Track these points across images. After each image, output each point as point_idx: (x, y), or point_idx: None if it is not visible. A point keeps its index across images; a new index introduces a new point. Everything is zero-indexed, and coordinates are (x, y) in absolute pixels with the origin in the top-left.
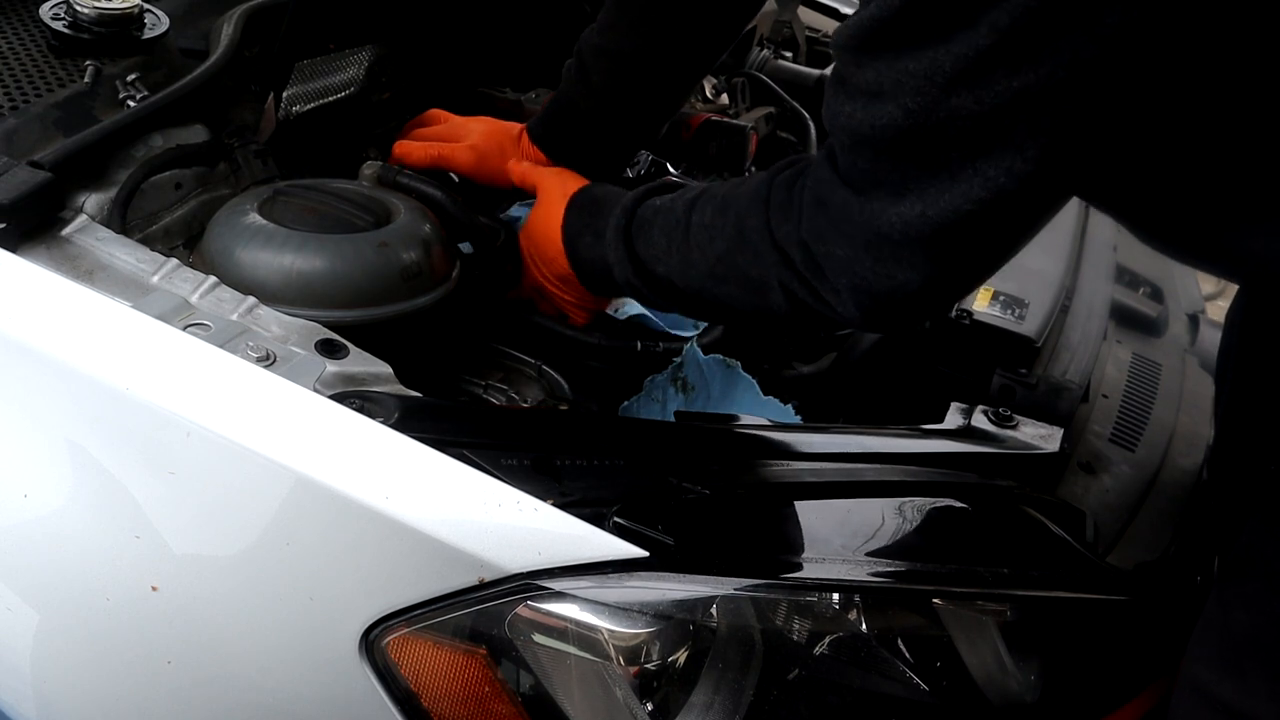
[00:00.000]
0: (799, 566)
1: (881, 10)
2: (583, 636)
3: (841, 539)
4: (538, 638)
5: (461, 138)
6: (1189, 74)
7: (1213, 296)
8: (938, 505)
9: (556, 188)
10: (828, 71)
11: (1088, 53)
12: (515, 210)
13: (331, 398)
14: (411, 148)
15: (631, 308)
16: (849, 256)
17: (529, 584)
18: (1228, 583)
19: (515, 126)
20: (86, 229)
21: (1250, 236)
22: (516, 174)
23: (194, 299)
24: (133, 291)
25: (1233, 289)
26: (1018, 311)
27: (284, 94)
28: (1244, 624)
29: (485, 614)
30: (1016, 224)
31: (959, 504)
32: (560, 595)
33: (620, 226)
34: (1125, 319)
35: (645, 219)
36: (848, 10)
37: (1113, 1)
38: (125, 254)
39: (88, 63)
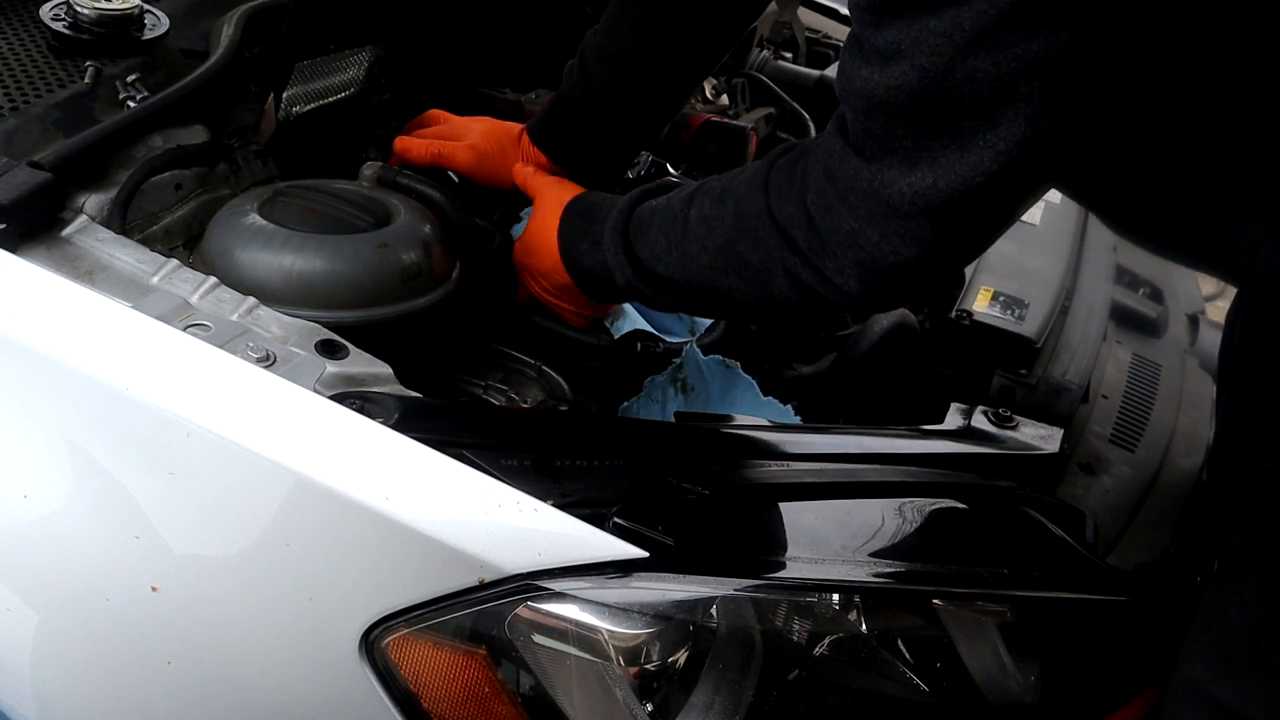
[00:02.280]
0: (799, 567)
1: None
2: (583, 637)
3: (841, 539)
4: (538, 638)
5: (461, 136)
6: (1196, 52)
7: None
8: (938, 505)
9: (553, 199)
10: (828, 72)
11: (1104, 17)
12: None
13: (331, 398)
14: (411, 143)
15: (625, 324)
16: (855, 230)
17: (529, 584)
18: (1224, 582)
19: (515, 127)
20: (86, 229)
21: (1247, 232)
22: (519, 177)
23: (194, 299)
24: (133, 292)
25: (1233, 290)
26: (1018, 312)
27: (284, 94)
28: (1239, 623)
29: (485, 614)
30: (1016, 197)
31: (959, 504)
32: (560, 596)
33: (618, 229)
34: (1125, 319)
35: (642, 219)
36: (847, 11)
37: None
38: (125, 254)
39: (88, 63)
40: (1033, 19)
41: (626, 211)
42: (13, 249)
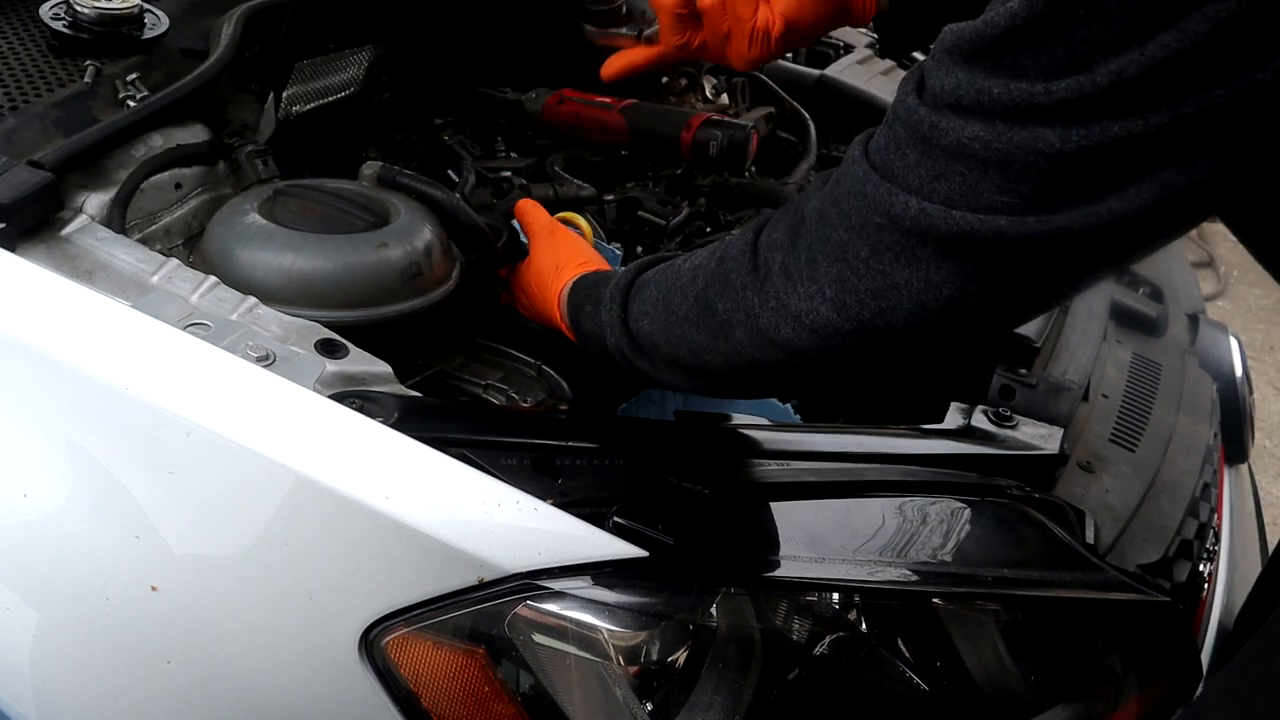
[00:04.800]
0: (799, 566)
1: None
2: (582, 636)
3: (841, 539)
4: (537, 637)
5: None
6: None
7: (1213, 297)
8: (938, 505)
9: (545, 255)
10: (828, 72)
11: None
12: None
13: (331, 397)
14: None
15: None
16: (844, 240)
17: (528, 584)
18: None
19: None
20: (86, 229)
21: None
22: (518, 213)
23: (194, 299)
24: (133, 291)
25: (1233, 290)
26: None
27: (284, 94)
28: None
29: (485, 614)
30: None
31: (959, 504)
32: (560, 595)
33: (620, 287)
34: (1125, 319)
35: (647, 279)
36: None
37: None
38: (125, 254)
39: (88, 63)
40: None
41: (633, 272)
42: (12, 248)
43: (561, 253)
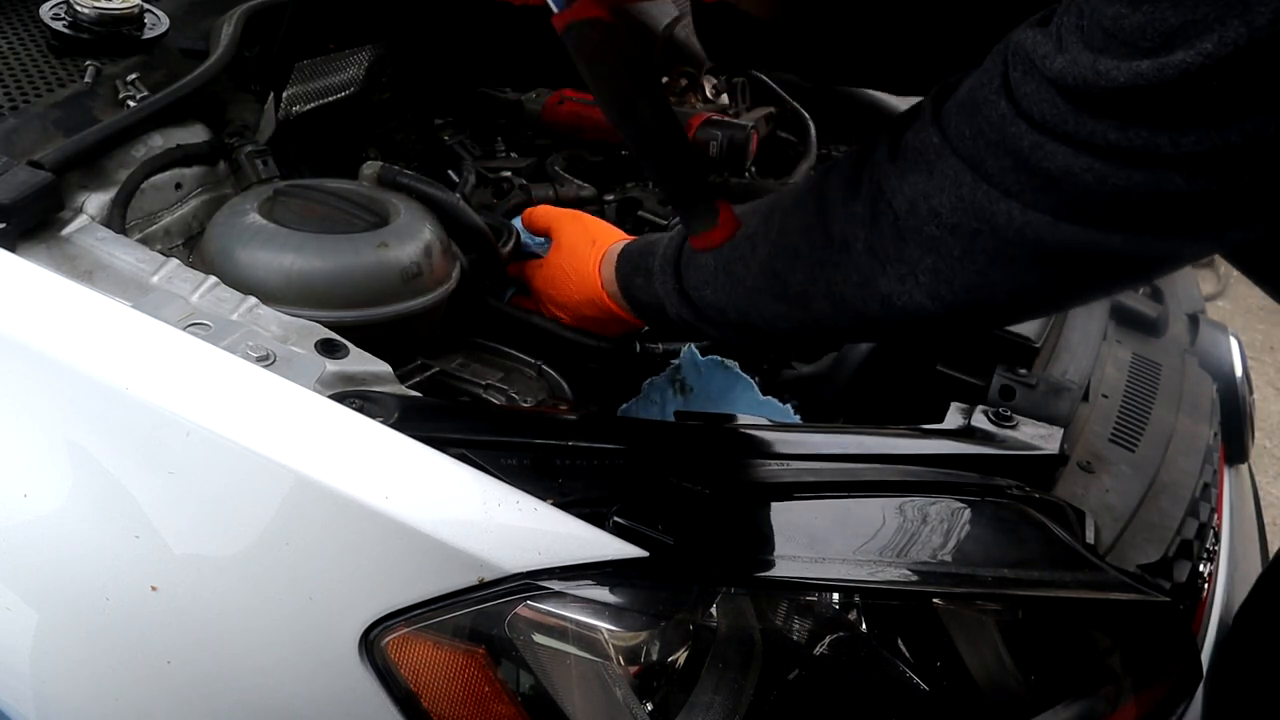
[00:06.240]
0: (799, 566)
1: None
2: (582, 636)
3: (841, 539)
4: (537, 637)
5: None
6: None
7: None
8: (938, 505)
9: (575, 230)
10: None
11: None
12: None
13: (331, 397)
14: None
15: None
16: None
17: (528, 584)
18: None
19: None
20: (86, 229)
21: None
22: (536, 214)
23: (194, 299)
24: (133, 291)
25: (1233, 290)
26: None
27: (284, 94)
28: None
29: (485, 614)
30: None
31: (959, 504)
32: (560, 595)
33: (669, 257)
34: (1125, 319)
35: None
36: None
37: None
38: (125, 254)
39: (88, 63)
40: None
41: (679, 239)
42: (12, 248)
43: (592, 229)
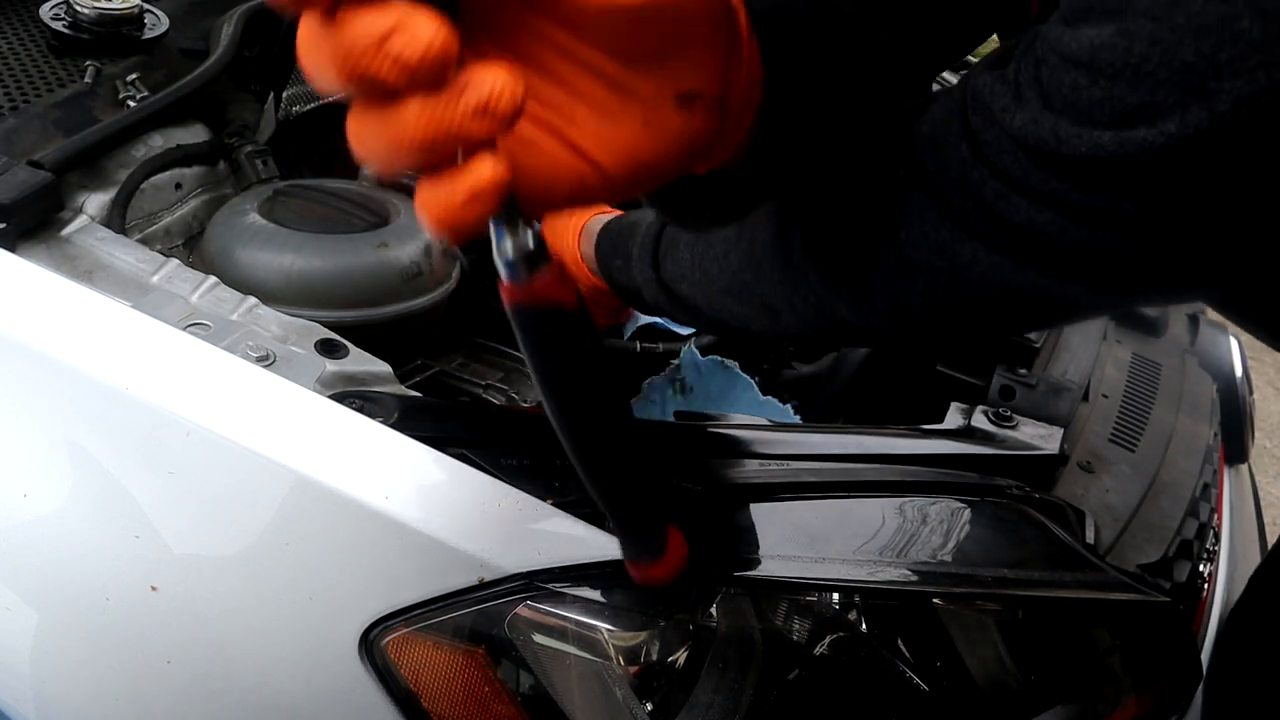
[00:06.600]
0: (799, 566)
1: None
2: (582, 636)
3: (841, 539)
4: (537, 638)
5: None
6: None
7: None
8: (938, 505)
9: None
10: None
11: None
12: None
13: (331, 397)
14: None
15: (635, 322)
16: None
17: (528, 584)
18: None
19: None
20: (86, 229)
21: None
22: None
23: (194, 299)
24: (133, 291)
25: None
26: None
27: (284, 94)
28: None
29: (485, 614)
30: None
31: (959, 504)
32: (560, 595)
33: (647, 246)
34: (1125, 319)
35: (673, 237)
36: None
37: None
38: (125, 254)
39: (88, 63)
40: None
41: (657, 226)
42: (12, 248)
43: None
